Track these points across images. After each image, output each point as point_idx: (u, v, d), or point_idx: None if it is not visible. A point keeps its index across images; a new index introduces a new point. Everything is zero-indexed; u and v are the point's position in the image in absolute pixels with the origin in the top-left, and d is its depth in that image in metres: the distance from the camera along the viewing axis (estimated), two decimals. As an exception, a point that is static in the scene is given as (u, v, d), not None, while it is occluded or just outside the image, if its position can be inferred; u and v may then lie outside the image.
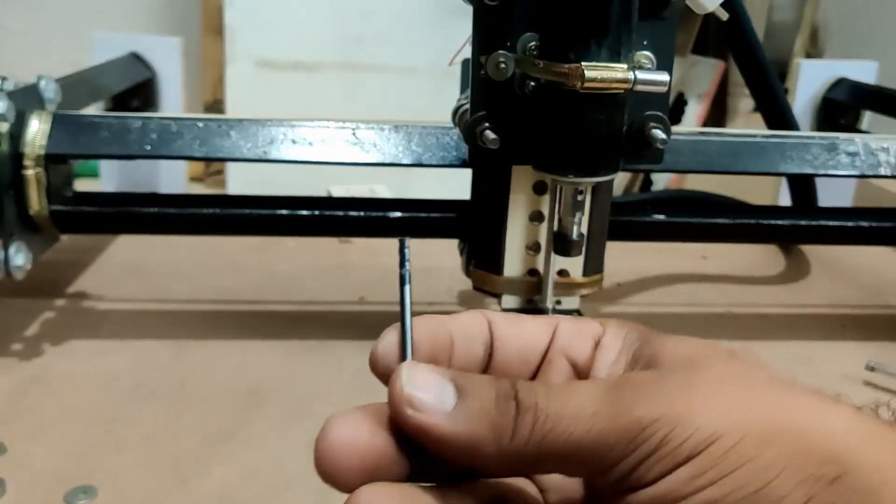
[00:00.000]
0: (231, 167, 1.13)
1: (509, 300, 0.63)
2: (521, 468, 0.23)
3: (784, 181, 1.03)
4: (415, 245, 0.84)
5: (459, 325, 0.26)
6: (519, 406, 0.22)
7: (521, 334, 0.27)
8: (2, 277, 0.62)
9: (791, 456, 0.20)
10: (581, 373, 0.26)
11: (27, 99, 0.64)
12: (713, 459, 0.20)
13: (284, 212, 0.66)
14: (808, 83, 1.05)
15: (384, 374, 0.25)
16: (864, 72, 1.04)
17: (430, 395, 0.23)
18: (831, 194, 1.01)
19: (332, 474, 0.22)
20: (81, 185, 0.71)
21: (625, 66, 0.49)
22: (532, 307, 0.63)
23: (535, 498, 0.26)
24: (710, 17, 0.57)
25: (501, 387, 0.23)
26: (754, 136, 0.68)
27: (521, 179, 0.60)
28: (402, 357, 0.25)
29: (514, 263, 0.62)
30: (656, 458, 0.21)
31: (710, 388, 0.22)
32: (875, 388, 0.67)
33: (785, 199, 1.00)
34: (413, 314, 0.26)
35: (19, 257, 0.62)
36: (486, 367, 0.26)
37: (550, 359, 0.27)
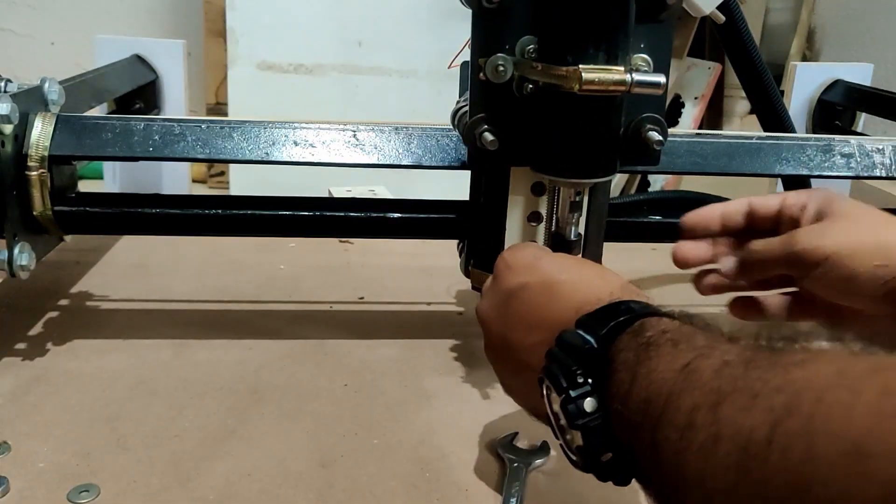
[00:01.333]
0: (234, 168, 1.14)
1: (508, 300, 0.64)
2: (763, 269, 0.50)
3: (780, 182, 1.04)
4: (415, 245, 0.84)
5: (733, 206, 0.53)
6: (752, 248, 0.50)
7: (766, 203, 0.51)
8: (6, 278, 0.63)
9: (865, 254, 0.44)
10: (793, 220, 0.51)
11: (31, 101, 0.65)
12: (829, 262, 0.45)
13: (286, 212, 0.67)
14: (803, 85, 1.06)
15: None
16: (859, 74, 1.05)
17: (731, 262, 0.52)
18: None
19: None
20: (85, 187, 0.71)
21: (622, 68, 0.50)
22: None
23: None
24: (707, 20, 0.58)
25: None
26: (750, 137, 0.69)
27: (520, 180, 0.60)
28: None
29: (512, 263, 0.62)
30: (804, 261, 0.46)
31: (838, 230, 0.46)
32: None
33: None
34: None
35: (23, 257, 0.63)
36: (750, 218, 0.52)
37: (779, 215, 0.51)
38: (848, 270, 0.44)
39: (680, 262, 0.53)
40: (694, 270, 0.55)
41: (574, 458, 0.36)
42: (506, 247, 0.62)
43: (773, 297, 0.53)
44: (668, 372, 0.30)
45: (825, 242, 0.45)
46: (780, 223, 0.51)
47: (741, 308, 0.53)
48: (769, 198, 0.51)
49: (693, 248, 0.53)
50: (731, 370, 0.28)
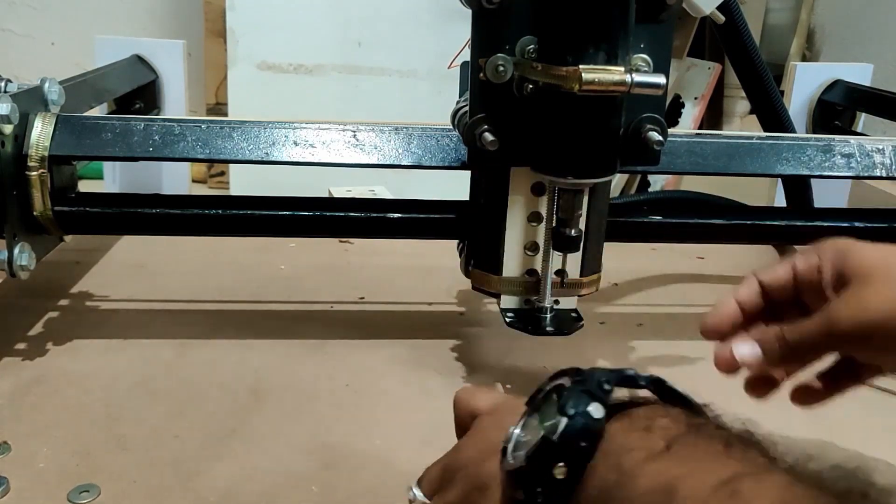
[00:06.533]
0: (234, 168, 1.14)
1: (508, 300, 0.64)
2: (807, 355, 0.44)
3: (780, 182, 1.04)
4: (415, 245, 0.84)
5: (745, 292, 0.47)
6: (785, 338, 0.43)
7: (776, 276, 0.46)
8: (6, 278, 0.63)
9: None
10: (814, 286, 0.46)
11: (31, 101, 0.65)
12: (881, 331, 0.40)
13: (286, 212, 0.67)
14: (803, 85, 1.06)
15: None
16: (859, 74, 1.05)
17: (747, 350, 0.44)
18: (826, 195, 1.02)
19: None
20: (85, 187, 0.72)
21: (622, 68, 0.50)
22: (530, 307, 0.64)
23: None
24: (707, 20, 0.58)
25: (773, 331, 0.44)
26: (750, 137, 0.69)
27: (520, 180, 0.60)
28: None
29: (512, 264, 0.63)
30: (851, 339, 0.41)
31: (874, 294, 0.41)
32: (871, 387, 0.68)
33: (781, 200, 1.01)
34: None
35: (23, 257, 0.63)
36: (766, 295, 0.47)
37: (796, 284, 0.46)
38: None
39: (710, 334, 0.47)
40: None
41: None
42: (505, 245, 0.62)
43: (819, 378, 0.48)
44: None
45: (868, 313, 0.41)
46: (800, 292, 0.46)
47: (803, 395, 0.48)
48: (776, 269, 0.47)
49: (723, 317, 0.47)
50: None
